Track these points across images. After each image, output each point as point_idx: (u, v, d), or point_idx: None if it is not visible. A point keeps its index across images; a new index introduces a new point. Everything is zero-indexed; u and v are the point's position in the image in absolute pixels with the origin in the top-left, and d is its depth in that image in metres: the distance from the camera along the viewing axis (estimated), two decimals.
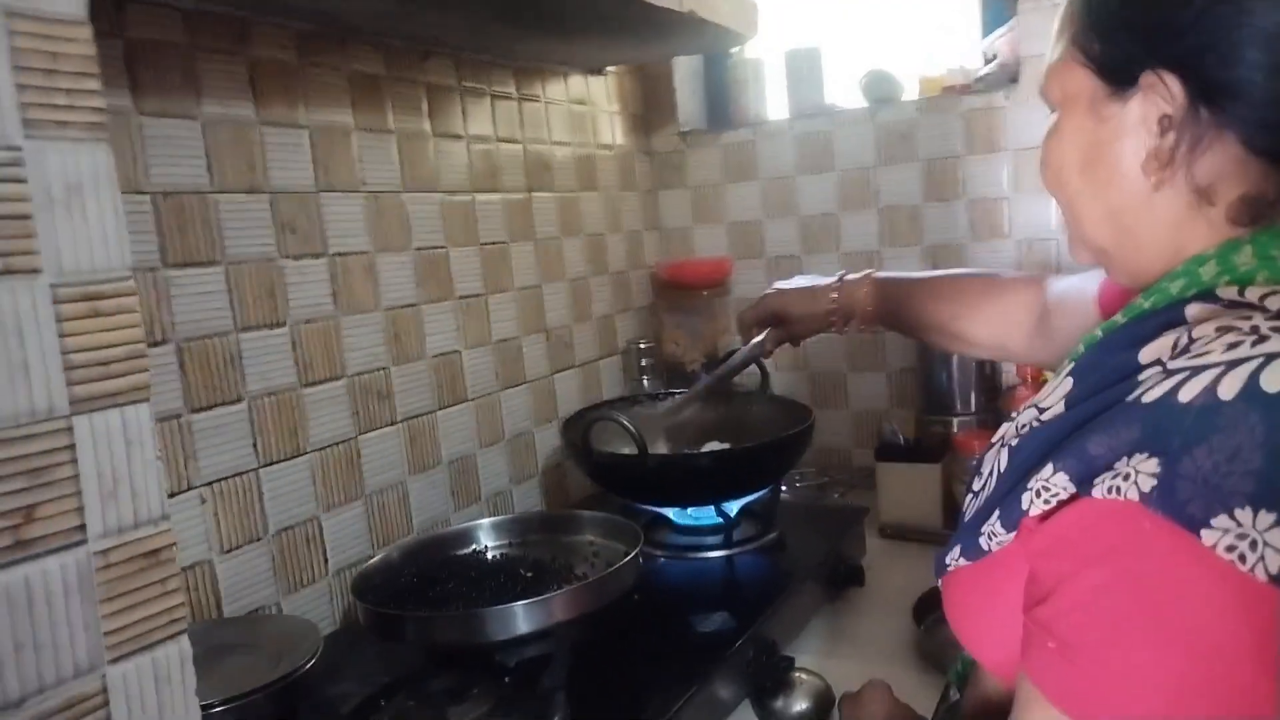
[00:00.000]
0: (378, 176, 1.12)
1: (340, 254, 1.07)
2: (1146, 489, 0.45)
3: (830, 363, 1.68)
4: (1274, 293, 0.49)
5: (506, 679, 0.83)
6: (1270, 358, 0.46)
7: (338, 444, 1.06)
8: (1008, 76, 1.49)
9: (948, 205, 1.54)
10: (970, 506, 0.65)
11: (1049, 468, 0.51)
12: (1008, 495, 0.56)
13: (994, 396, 1.49)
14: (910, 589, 1.13)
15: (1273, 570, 0.42)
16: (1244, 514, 0.43)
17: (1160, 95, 0.55)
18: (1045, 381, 1.36)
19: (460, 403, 1.25)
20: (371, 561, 0.96)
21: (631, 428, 1.04)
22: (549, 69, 1.44)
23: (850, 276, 1.07)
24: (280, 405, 0.99)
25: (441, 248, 1.22)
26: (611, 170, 1.62)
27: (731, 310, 1.72)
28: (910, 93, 1.59)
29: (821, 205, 1.63)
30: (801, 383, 1.69)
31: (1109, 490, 0.47)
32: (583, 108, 1.54)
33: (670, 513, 1.23)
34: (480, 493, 1.27)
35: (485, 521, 1.06)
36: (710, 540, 1.19)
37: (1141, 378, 0.51)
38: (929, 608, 1.11)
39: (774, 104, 1.72)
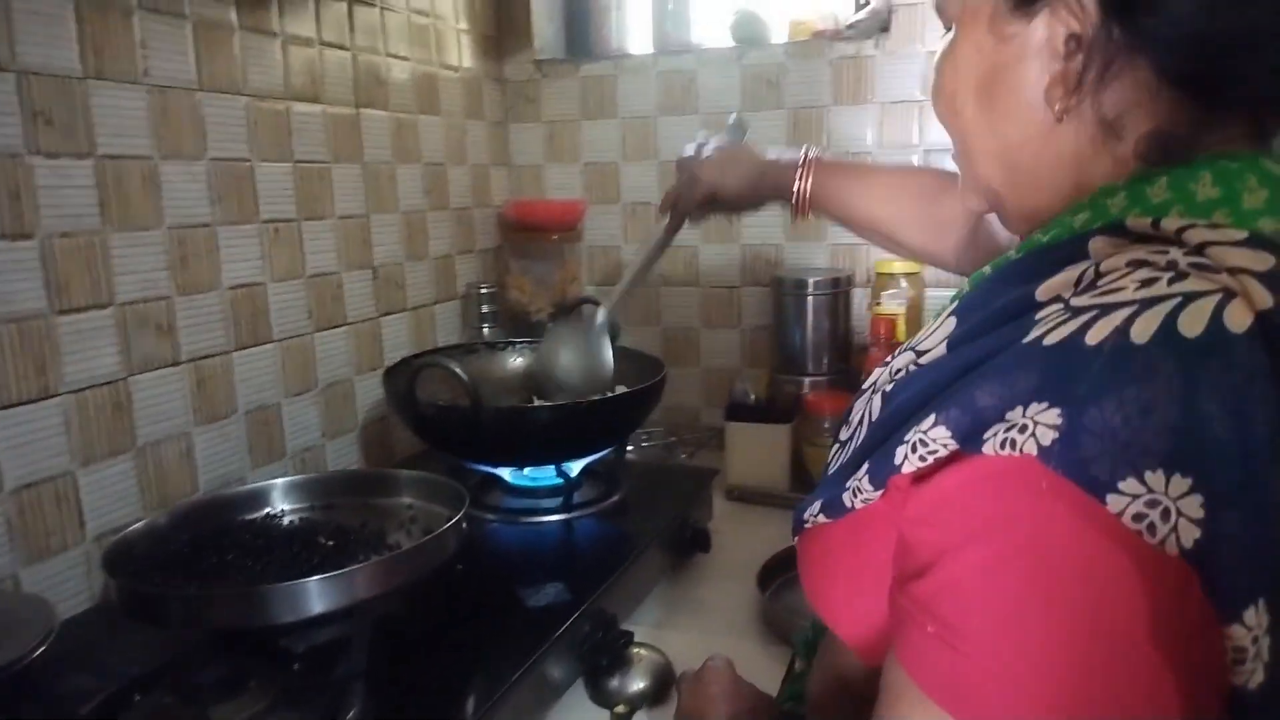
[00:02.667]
0: (165, 68, 0.94)
1: (111, 156, 0.88)
2: (1046, 442, 0.38)
3: (683, 318, 1.59)
4: (1193, 225, 0.42)
5: (295, 667, 0.70)
6: (1189, 297, 0.39)
7: (100, 385, 0.88)
8: (878, 25, 1.43)
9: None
10: (836, 458, 0.57)
11: (929, 418, 0.43)
12: (880, 447, 0.47)
13: (846, 356, 1.45)
14: (757, 554, 1.06)
15: (1186, 544, 0.35)
16: (1155, 477, 0.36)
17: (1070, 10, 0.47)
18: (897, 341, 1.34)
19: (264, 343, 1.08)
20: (134, 527, 0.80)
21: (464, 376, 0.91)
22: None
23: (788, 156, 0.98)
24: (23, 335, 0.81)
25: (245, 160, 1.04)
26: (456, 95, 1.46)
27: (584, 257, 1.61)
28: (779, 35, 1.51)
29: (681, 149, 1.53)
30: (653, 338, 1.60)
31: (1002, 445, 0.39)
32: (426, 20, 1.37)
33: (505, 473, 1.11)
34: (285, 448, 1.12)
35: (281, 481, 0.91)
36: (548, 503, 1.08)
37: (1039, 316, 0.43)
38: (774, 574, 1.05)
39: (636, 37, 1.60)
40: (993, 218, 0.89)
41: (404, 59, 1.32)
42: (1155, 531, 0.36)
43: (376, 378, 1.27)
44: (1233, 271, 0.39)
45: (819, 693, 0.60)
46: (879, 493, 0.47)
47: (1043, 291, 0.45)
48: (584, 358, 1.11)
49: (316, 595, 0.69)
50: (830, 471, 0.57)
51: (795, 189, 0.95)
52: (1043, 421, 0.38)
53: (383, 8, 1.27)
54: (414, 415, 1.01)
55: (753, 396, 1.37)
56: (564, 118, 1.59)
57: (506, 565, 0.96)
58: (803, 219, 0.98)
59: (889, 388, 0.53)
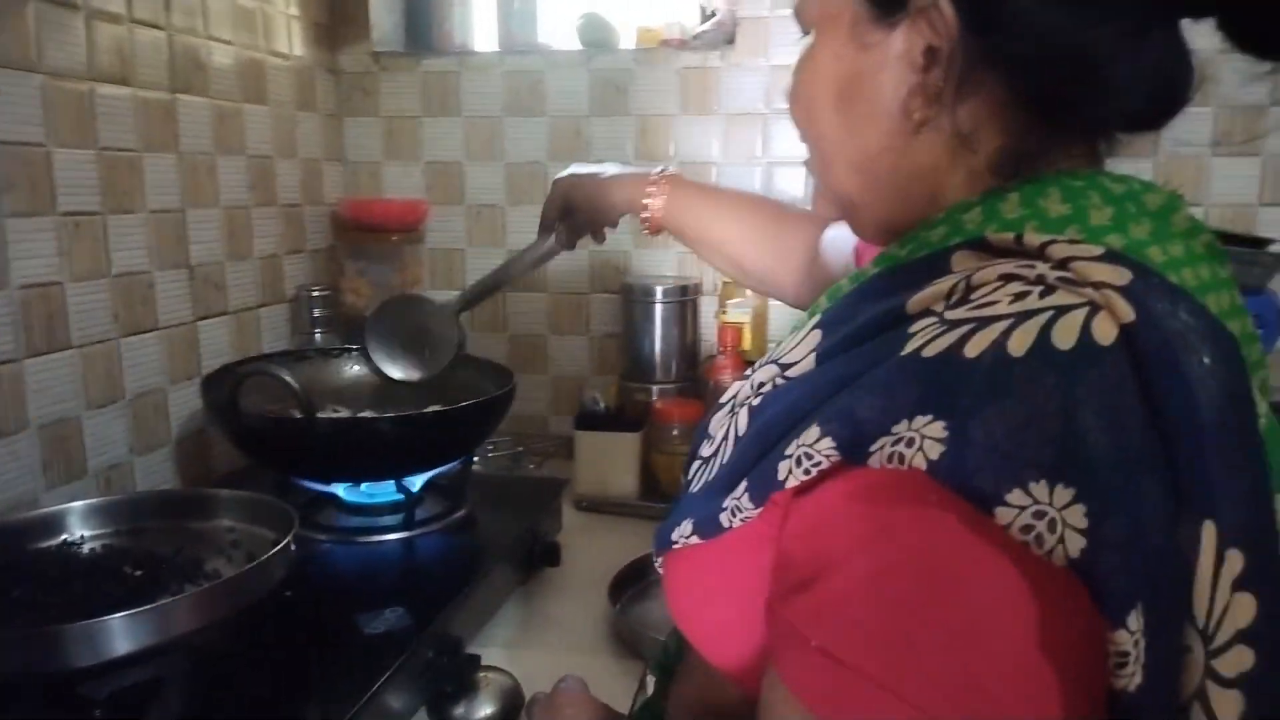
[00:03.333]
0: None
1: None
2: (934, 456, 0.37)
3: (531, 325, 1.56)
4: (1054, 240, 0.43)
5: (97, 715, 0.62)
6: (1060, 311, 0.39)
7: None
8: (724, 37, 1.44)
9: (658, 166, 1.47)
10: (699, 475, 0.55)
11: (813, 431, 0.42)
12: (758, 463, 0.46)
13: (694, 364, 1.45)
14: (607, 566, 1.04)
15: (1073, 553, 0.35)
16: (1039, 488, 0.36)
17: (930, 24, 0.47)
18: (743, 352, 1.35)
19: (61, 349, 0.96)
20: None
21: (295, 384, 0.84)
22: None
23: (643, 174, 0.96)
24: None
25: (39, 145, 0.93)
26: (286, 84, 1.37)
27: (425, 259, 1.54)
28: (627, 41, 1.50)
29: (530, 152, 1.50)
30: (500, 345, 1.56)
31: (889, 458, 0.38)
32: (252, 3, 1.28)
33: (340, 490, 1.04)
34: (87, 466, 1.00)
35: (80, 504, 0.81)
36: (387, 520, 1.02)
37: (913, 329, 0.43)
38: (625, 586, 1.03)
39: (481, 34, 1.55)
40: (828, 251, 0.91)
41: (227, 43, 1.22)
42: (1043, 542, 0.36)
43: (194, 387, 1.16)
44: (1096, 285, 0.40)
45: (680, 717, 0.58)
46: (759, 509, 0.45)
47: (913, 304, 0.45)
48: (424, 326, 1.08)
49: (121, 634, 0.61)
50: (694, 489, 0.55)
51: (649, 204, 0.94)
52: (929, 435, 0.38)
53: None
54: (237, 428, 0.93)
55: (602, 405, 1.35)
56: (404, 114, 1.52)
57: (342, 590, 0.89)
58: (653, 235, 0.97)
59: (755, 402, 0.52)
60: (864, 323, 0.48)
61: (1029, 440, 0.37)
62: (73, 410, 0.98)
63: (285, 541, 0.73)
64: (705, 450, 0.56)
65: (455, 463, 1.06)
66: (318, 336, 1.34)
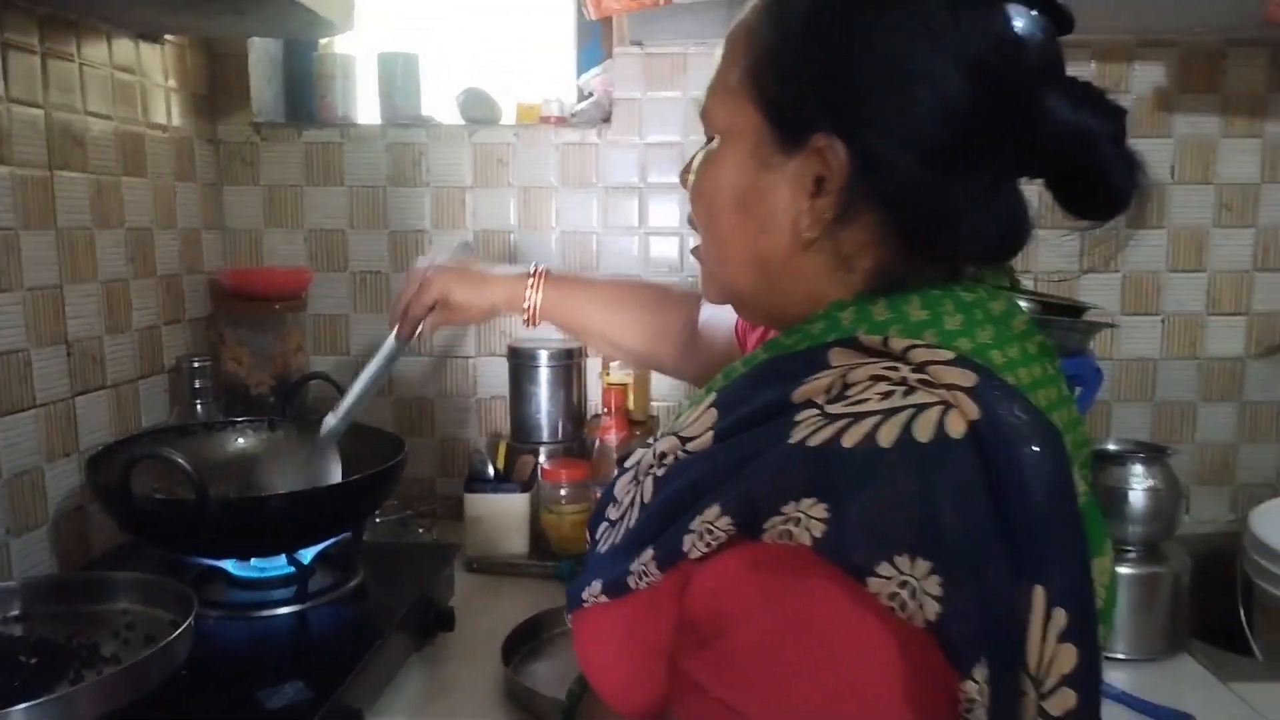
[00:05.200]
0: None
1: None
2: (818, 534, 0.44)
3: (416, 389, 1.58)
4: (914, 346, 0.51)
5: None
6: (920, 409, 0.48)
7: None
8: (601, 115, 1.53)
9: (539, 234, 1.54)
10: (606, 536, 0.61)
11: (714, 509, 0.49)
12: (663, 532, 0.52)
13: (580, 424, 1.50)
14: (500, 627, 1.08)
15: (930, 617, 0.43)
16: (903, 561, 0.44)
17: (825, 159, 0.55)
18: (627, 411, 1.41)
19: None
20: None
21: (188, 466, 0.85)
22: (86, 24, 1.17)
23: (518, 269, 1.00)
24: None
25: None
26: (165, 155, 1.37)
27: (307, 326, 1.55)
28: (507, 116, 1.57)
29: (414, 221, 1.54)
30: (385, 409, 1.57)
31: (780, 535, 0.45)
32: (130, 77, 1.28)
33: (229, 565, 1.04)
34: None
35: None
36: (279, 594, 1.03)
37: (798, 418, 0.50)
38: (517, 646, 1.07)
39: (364, 107, 1.59)
40: (709, 327, 0.99)
41: (105, 117, 1.22)
42: (906, 608, 0.43)
43: (71, 465, 1.14)
44: (949, 387, 0.48)
45: None
46: (663, 575, 0.51)
47: (798, 396, 0.52)
48: (306, 473, 1.07)
49: None
50: (601, 550, 0.60)
51: (526, 301, 0.98)
52: (813, 515, 0.45)
53: (81, 63, 1.17)
54: (127, 511, 0.93)
55: (491, 467, 1.38)
56: (285, 183, 1.54)
57: (237, 665, 0.89)
58: (533, 327, 1.01)
59: (659, 473, 0.58)
60: (756, 408, 0.55)
61: (896, 520, 0.44)
62: None
63: (187, 623, 0.74)
64: (612, 514, 0.62)
65: (347, 533, 1.08)
66: (199, 407, 1.33)
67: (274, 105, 1.59)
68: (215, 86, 1.50)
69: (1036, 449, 0.49)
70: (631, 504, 0.60)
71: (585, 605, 0.57)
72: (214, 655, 0.91)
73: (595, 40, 1.61)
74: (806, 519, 0.45)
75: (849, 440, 0.47)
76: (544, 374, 1.45)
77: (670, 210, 1.50)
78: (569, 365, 1.47)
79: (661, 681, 0.53)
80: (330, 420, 1.05)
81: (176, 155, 1.40)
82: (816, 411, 0.50)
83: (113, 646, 0.77)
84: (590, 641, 0.58)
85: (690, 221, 0.66)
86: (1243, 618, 1.37)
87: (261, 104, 1.54)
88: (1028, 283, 1.44)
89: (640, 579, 0.53)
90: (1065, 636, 0.47)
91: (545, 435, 1.46)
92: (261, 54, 1.54)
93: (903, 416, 0.47)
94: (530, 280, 0.99)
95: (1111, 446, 1.24)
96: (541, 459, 1.42)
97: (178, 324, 1.40)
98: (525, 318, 1.00)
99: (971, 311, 0.55)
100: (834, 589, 0.45)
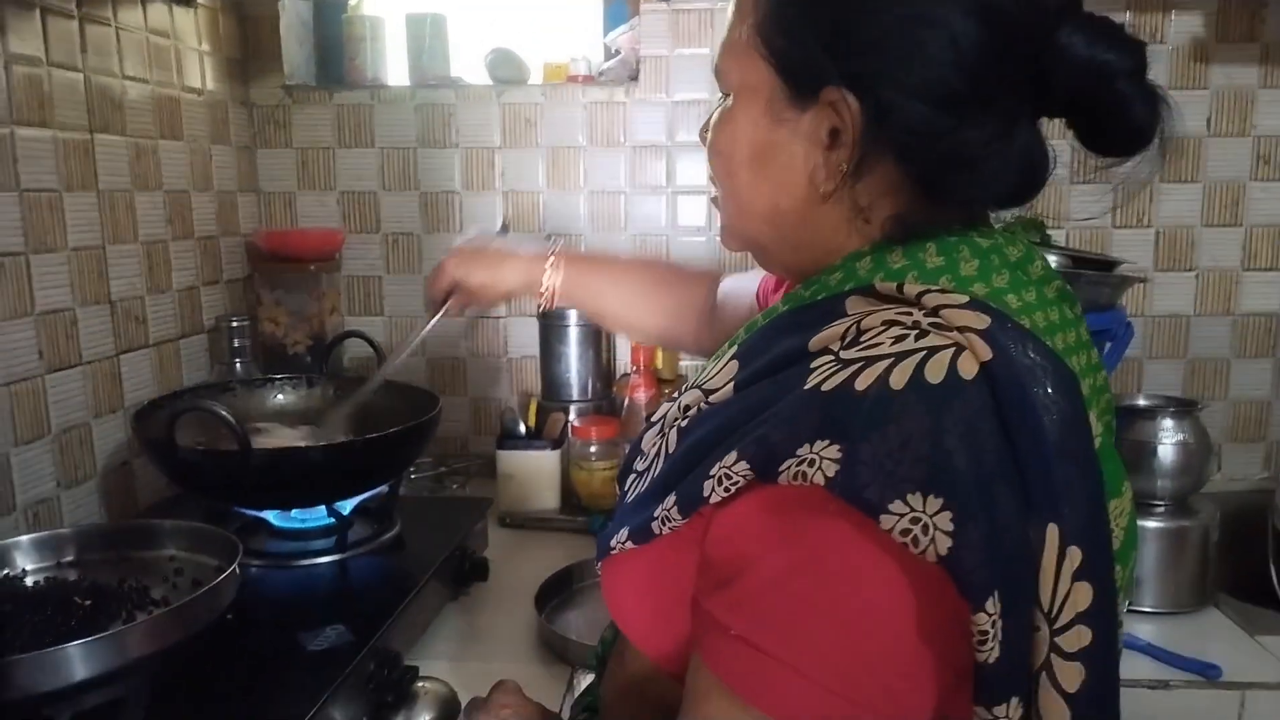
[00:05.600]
0: None
1: None
2: (830, 474, 0.46)
3: (449, 349, 1.60)
4: (928, 290, 0.52)
5: None
6: (931, 351, 0.48)
7: None
8: (628, 73, 1.53)
9: (567, 195, 1.55)
10: (633, 487, 0.62)
11: (731, 455, 0.50)
12: (685, 479, 0.54)
13: (609, 384, 1.52)
14: (533, 578, 1.11)
15: (941, 551, 0.44)
16: (915, 499, 0.45)
17: (837, 112, 0.55)
18: (656, 370, 1.42)
19: None
20: None
21: (231, 418, 0.88)
22: None
23: (538, 252, 0.99)
24: None
25: None
26: (200, 119, 1.39)
27: (341, 287, 1.58)
28: (535, 76, 1.57)
29: (444, 182, 1.55)
30: (418, 368, 1.60)
31: (794, 477, 0.47)
32: (165, 41, 1.30)
33: (270, 516, 1.07)
34: (15, 501, 1.01)
35: (23, 539, 0.83)
36: (319, 544, 1.06)
37: (814, 365, 0.51)
38: (549, 595, 1.10)
39: (393, 68, 1.60)
40: (729, 301, 0.99)
41: (142, 81, 1.24)
42: (919, 543, 0.44)
43: (117, 420, 1.18)
44: (961, 329, 0.49)
45: (614, 700, 0.65)
46: (685, 520, 0.53)
47: (814, 344, 0.53)
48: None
49: (80, 661, 0.65)
50: (629, 500, 0.62)
51: (545, 283, 0.97)
52: (826, 456, 0.46)
53: (118, 27, 1.19)
54: (173, 463, 0.96)
55: (522, 425, 1.41)
56: (317, 144, 1.55)
57: (281, 611, 0.93)
58: (550, 309, 1.00)
59: (683, 423, 0.59)
60: (773, 357, 0.56)
61: (905, 459, 0.45)
62: (0, 447, 0.99)
63: (232, 568, 0.77)
64: (639, 465, 0.64)
65: (383, 486, 1.11)
66: (238, 366, 1.36)
67: (305, 68, 1.60)
68: (247, 50, 1.52)
69: (1050, 390, 0.49)
70: (657, 455, 0.61)
71: (613, 552, 0.59)
72: (258, 601, 0.94)
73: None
74: (820, 460, 0.46)
75: (861, 383, 0.48)
76: (574, 334, 1.47)
77: (698, 169, 1.50)
78: (598, 326, 1.48)
79: (683, 623, 0.55)
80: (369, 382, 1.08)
81: (211, 118, 1.42)
82: (831, 358, 0.51)
83: (162, 590, 0.81)
84: (618, 587, 0.60)
85: (710, 178, 0.67)
86: (1273, 573, 1.37)
87: (293, 67, 1.56)
88: (1059, 236, 1.43)
89: (663, 524, 0.54)
90: (1080, 574, 0.48)
91: (575, 394, 1.48)
92: (292, 17, 1.55)
93: (915, 359, 0.48)
94: (549, 261, 0.98)
95: (1142, 402, 1.23)
96: (572, 417, 1.44)
97: (215, 285, 1.43)
98: (543, 300, 0.99)
99: (988, 257, 0.56)
100: (847, 526, 0.46)
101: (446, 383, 1.61)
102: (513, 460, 1.38)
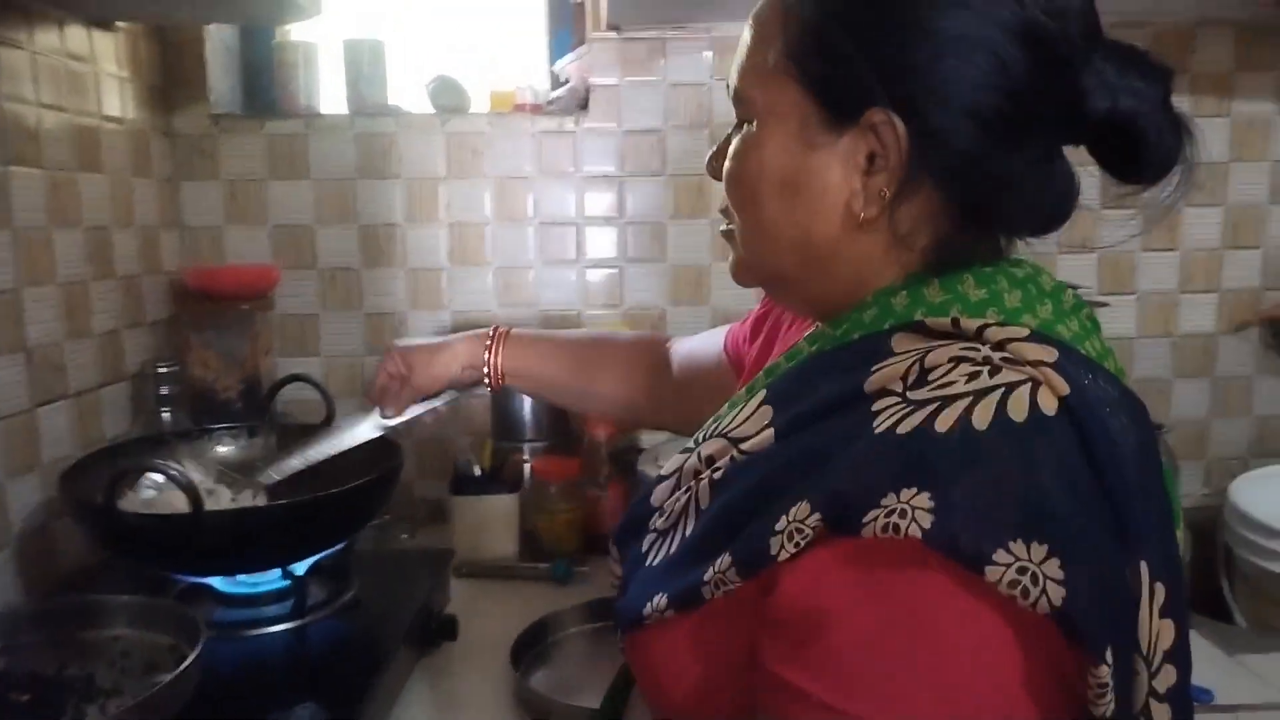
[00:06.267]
0: None
1: None
2: (927, 525, 0.42)
3: None
4: (988, 324, 0.50)
5: None
6: (1010, 388, 0.46)
7: None
8: (577, 102, 1.49)
9: (517, 226, 1.50)
10: (656, 549, 0.58)
11: (801, 507, 0.46)
12: (738, 537, 0.49)
13: (566, 419, 1.47)
14: (502, 633, 1.05)
15: (1055, 602, 0.41)
16: (1018, 546, 0.42)
17: (880, 134, 0.53)
18: None
19: None
20: None
21: (182, 478, 0.80)
22: (37, 9, 1.10)
23: (477, 334, 0.97)
24: None
25: None
26: (121, 149, 1.29)
27: (276, 328, 1.48)
28: (479, 105, 1.52)
29: (385, 214, 1.48)
30: (354, 411, 1.51)
31: (884, 529, 0.43)
32: (83, 66, 1.20)
33: (216, 582, 0.98)
34: None
35: None
36: (273, 610, 0.97)
37: (876, 407, 0.48)
38: (524, 650, 1.03)
39: (328, 97, 1.52)
40: (693, 360, 0.96)
41: (59, 109, 1.14)
42: (1028, 594, 0.41)
43: (33, 480, 1.07)
44: (1034, 364, 0.47)
45: None
46: (744, 581, 0.48)
47: (870, 384, 0.50)
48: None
49: None
50: (654, 563, 0.57)
51: (486, 364, 0.95)
52: (919, 506, 0.42)
53: (32, 51, 1.09)
54: (111, 528, 0.86)
55: (476, 467, 1.34)
56: (247, 176, 1.46)
57: (243, 690, 0.84)
58: (497, 391, 0.98)
59: (717, 475, 0.55)
60: (821, 401, 0.52)
61: (1003, 503, 0.42)
62: None
63: (197, 650, 0.69)
64: (658, 524, 0.59)
65: (341, 544, 1.03)
66: (165, 416, 1.25)
67: (231, 96, 1.51)
68: (170, 77, 1.42)
69: (1126, 420, 0.48)
70: (685, 512, 0.57)
71: (647, 622, 0.54)
72: (213, 680, 0.84)
73: (567, 27, 1.57)
74: (912, 510, 0.43)
75: (942, 425, 0.45)
76: None
77: (650, 201, 1.47)
78: None
79: (740, 696, 0.50)
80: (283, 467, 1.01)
81: (133, 149, 1.32)
82: (897, 399, 0.48)
83: (110, 676, 0.72)
84: (655, 659, 0.55)
85: (725, 210, 0.63)
86: (1225, 588, 1.40)
87: (219, 95, 1.47)
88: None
89: (717, 588, 0.50)
90: (1165, 611, 0.46)
91: (529, 433, 1.42)
92: (217, 42, 1.46)
93: (995, 396, 0.46)
94: (488, 342, 0.95)
95: None
96: (526, 456, 1.38)
97: (139, 328, 1.32)
98: (488, 382, 0.96)
99: (1026, 288, 0.55)
100: (944, 580, 0.43)
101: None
102: (469, 506, 1.31)
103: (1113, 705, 0.42)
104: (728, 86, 0.62)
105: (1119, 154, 0.55)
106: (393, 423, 0.98)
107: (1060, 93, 0.53)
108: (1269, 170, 1.51)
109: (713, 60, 1.45)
